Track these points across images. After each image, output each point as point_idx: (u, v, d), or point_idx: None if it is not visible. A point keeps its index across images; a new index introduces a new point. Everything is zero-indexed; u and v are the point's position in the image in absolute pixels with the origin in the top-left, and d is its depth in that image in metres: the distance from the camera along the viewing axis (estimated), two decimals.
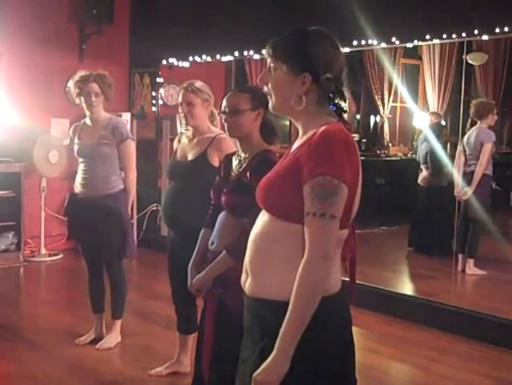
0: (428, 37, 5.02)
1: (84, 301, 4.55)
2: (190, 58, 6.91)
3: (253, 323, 1.78)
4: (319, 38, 1.77)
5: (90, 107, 4.14)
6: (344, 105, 1.77)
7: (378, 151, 9.21)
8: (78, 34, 7.18)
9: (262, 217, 1.79)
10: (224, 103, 2.68)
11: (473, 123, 6.02)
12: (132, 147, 4.26)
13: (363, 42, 5.27)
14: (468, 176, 5.91)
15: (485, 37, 4.82)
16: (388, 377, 4.05)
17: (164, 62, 7.20)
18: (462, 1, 4.78)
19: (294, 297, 1.62)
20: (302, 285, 1.62)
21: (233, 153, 2.75)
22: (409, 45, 5.92)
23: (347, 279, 1.88)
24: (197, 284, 2.68)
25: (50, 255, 6.78)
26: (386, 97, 9.33)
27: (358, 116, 9.64)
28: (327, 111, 1.77)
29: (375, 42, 5.26)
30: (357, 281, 1.88)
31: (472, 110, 6.01)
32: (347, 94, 1.78)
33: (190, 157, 3.50)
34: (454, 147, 6.65)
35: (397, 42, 5.29)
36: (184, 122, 3.55)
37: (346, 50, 5.06)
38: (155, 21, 7.17)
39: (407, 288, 5.97)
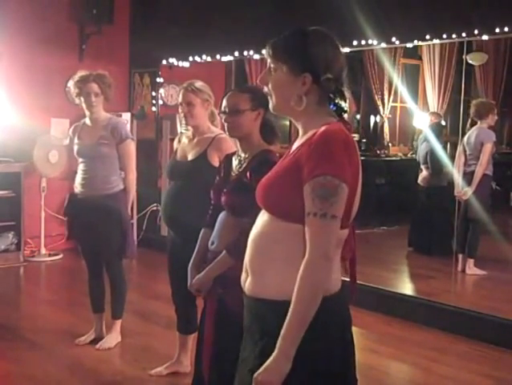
0: (428, 37, 5.02)
1: (84, 301, 4.55)
2: (190, 58, 6.90)
3: (253, 323, 1.78)
4: (319, 38, 1.77)
5: (89, 107, 4.14)
6: (345, 105, 1.77)
7: (378, 151, 9.21)
8: (78, 34, 7.18)
9: (262, 217, 1.79)
10: (224, 103, 2.68)
11: (473, 123, 6.02)
12: (131, 147, 4.26)
13: (363, 42, 5.27)
14: (468, 176, 5.91)
15: (485, 37, 4.82)
16: (388, 377, 4.05)
17: (164, 62, 7.19)
18: (462, 1, 4.78)
19: (296, 297, 1.62)
20: (303, 285, 1.62)
21: (233, 153, 2.75)
22: (409, 45, 5.92)
23: (347, 279, 1.88)
24: (197, 284, 2.68)
25: (50, 255, 6.78)
26: (386, 97, 9.33)
27: (358, 116, 9.63)
28: (327, 111, 1.77)
29: (375, 42, 5.26)
30: (357, 281, 1.88)
31: (472, 110, 6.01)
32: (347, 94, 1.78)
33: (190, 157, 3.50)
34: (454, 147, 6.65)
35: (397, 42, 5.29)
36: (184, 122, 3.55)
37: (346, 50, 5.06)
38: (155, 21, 7.17)
39: (407, 288, 5.97)
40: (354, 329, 1.80)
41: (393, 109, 9.56)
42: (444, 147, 6.95)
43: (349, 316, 1.80)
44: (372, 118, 9.63)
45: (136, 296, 5.14)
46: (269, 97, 1.85)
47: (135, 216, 7.17)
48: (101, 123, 4.17)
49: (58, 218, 6.63)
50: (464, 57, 6.23)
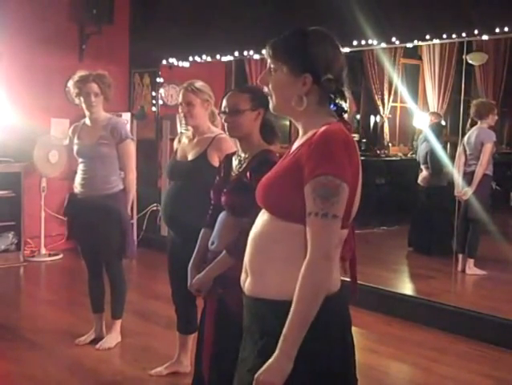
0: (428, 37, 5.02)
1: (84, 301, 4.55)
2: (190, 58, 6.90)
3: (253, 323, 1.78)
4: (319, 38, 1.77)
5: (89, 107, 4.14)
6: (345, 105, 1.77)
7: (378, 151, 9.21)
8: (78, 34, 7.18)
9: (262, 217, 1.79)
10: (224, 103, 2.68)
11: (474, 123, 6.02)
12: (131, 147, 4.26)
13: (363, 42, 5.27)
14: (468, 176, 5.91)
15: (485, 37, 4.82)
16: (388, 377, 4.05)
17: (164, 62, 7.20)
18: (462, 1, 4.77)
19: (297, 297, 1.61)
20: (304, 285, 1.61)
21: (233, 153, 2.75)
22: (409, 45, 5.92)
23: (348, 279, 1.88)
24: (197, 284, 2.68)
25: (50, 255, 6.78)
26: (386, 97, 9.33)
27: (358, 116, 9.64)
28: (327, 111, 1.77)
29: (375, 42, 5.26)
30: (358, 281, 1.88)
31: (472, 110, 6.01)
32: (347, 94, 1.78)
33: (190, 157, 3.50)
34: (454, 147, 6.65)
35: (397, 42, 5.29)
36: (184, 122, 3.55)
37: (346, 50, 5.06)
38: (155, 21, 7.17)
39: (407, 288, 5.97)
40: (354, 329, 1.80)
41: (393, 109, 9.56)
42: (444, 147, 6.96)
43: (349, 316, 1.80)
44: (372, 118, 9.63)
45: (136, 296, 5.14)
46: (269, 97, 1.85)
47: (135, 216, 7.17)
48: (101, 123, 4.17)
49: (58, 218, 6.63)
50: (464, 57, 6.23)
